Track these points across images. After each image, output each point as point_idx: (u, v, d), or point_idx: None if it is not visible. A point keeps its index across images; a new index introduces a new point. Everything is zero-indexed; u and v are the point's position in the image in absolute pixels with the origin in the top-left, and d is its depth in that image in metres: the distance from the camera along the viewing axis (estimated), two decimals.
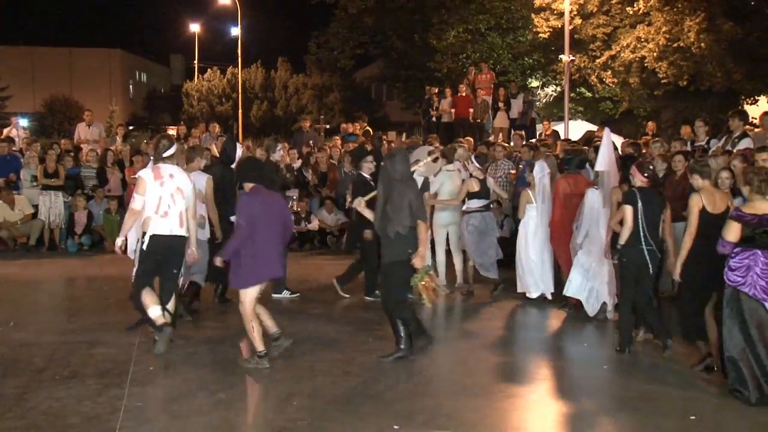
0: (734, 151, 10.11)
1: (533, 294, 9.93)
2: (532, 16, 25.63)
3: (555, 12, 24.56)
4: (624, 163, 8.92)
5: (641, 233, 7.49)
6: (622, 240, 7.58)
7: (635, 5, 22.93)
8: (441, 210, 10.50)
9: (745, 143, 10.65)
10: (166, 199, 7.35)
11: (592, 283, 8.87)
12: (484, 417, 5.87)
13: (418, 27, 30.82)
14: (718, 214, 6.90)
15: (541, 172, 9.84)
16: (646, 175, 7.68)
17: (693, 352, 7.28)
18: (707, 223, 6.90)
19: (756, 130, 12.57)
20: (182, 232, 7.46)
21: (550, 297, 9.89)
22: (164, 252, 7.40)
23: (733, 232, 6.34)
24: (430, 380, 6.74)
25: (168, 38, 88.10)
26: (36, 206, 14.44)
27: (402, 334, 7.21)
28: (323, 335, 8.37)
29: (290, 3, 72.81)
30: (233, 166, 9.32)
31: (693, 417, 5.88)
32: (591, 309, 8.90)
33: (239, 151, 9.84)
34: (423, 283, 7.13)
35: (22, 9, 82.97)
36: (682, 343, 7.52)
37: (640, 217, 7.48)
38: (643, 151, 11.83)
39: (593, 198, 8.83)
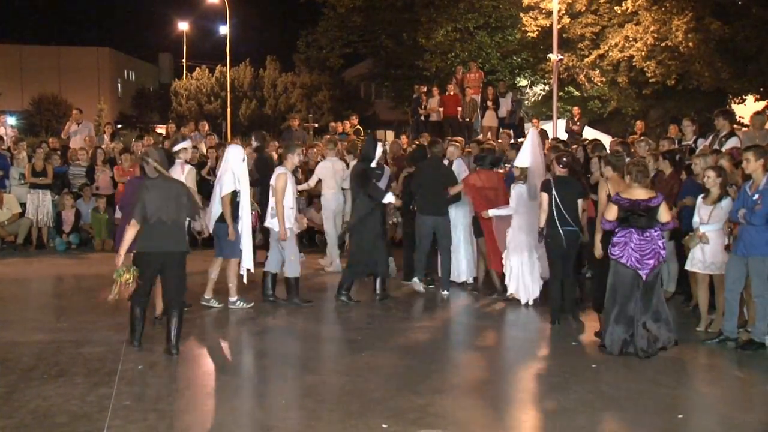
0: (723, 150, 10.15)
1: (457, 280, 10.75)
2: (521, 15, 25.71)
3: (543, 11, 24.65)
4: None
5: (560, 216, 8.50)
6: (541, 223, 8.63)
7: (623, 4, 23.03)
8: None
9: (733, 142, 10.69)
10: None
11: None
12: (474, 415, 5.89)
13: (407, 26, 30.82)
14: None
15: (457, 169, 10.87)
16: (561, 165, 8.77)
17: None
18: None
19: (743, 129, 12.63)
20: None
21: (471, 281, 10.71)
22: None
23: (611, 212, 7.55)
24: (419, 379, 6.73)
25: (156, 37, 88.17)
26: (24, 205, 14.38)
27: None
28: (312, 333, 8.38)
29: (279, 2, 72.81)
30: (373, 164, 9.93)
31: (680, 416, 5.91)
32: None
33: (380, 150, 10.16)
34: (122, 280, 7.14)
35: (11, 7, 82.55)
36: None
37: (557, 202, 8.50)
38: (632, 150, 11.87)
39: (520, 192, 9.61)
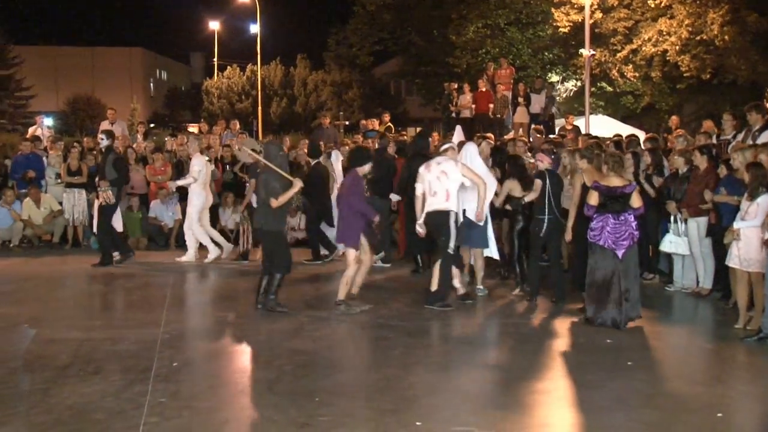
0: (758, 144, 9.96)
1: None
2: (552, 10, 25.52)
3: (575, 6, 24.45)
4: (494, 155, 11.05)
5: (548, 206, 9.31)
6: (526, 198, 9.56)
7: None
8: None
9: (766, 136, 10.49)
10: (434, 182, 9.10)
11: None
12: (507, 413, 5.82)
13: (437, 23, 30.75)
14: None
15: (336, 159, 13.03)
16: (552, 157, 9.91)
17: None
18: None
19: None
20: (447, 206, 9.07)
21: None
22: (433, 224, 9.14)
23: (593, 198, 8.36)
24: (453, 376, 6.71)
25: (188, 36, 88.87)
26: (60, 204, 14.55)
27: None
28: (345, 332, 8.38)
29: (309, 0, 73.04)
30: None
31: (720, 414, 5.80)
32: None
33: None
34: None
35: (45, 10, 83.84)
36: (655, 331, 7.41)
37: (549, 192, 9.30)
38: (669, 144, 11.72)
39: None
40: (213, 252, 12.63)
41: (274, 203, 8.73)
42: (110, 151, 12.52)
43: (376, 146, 13.91)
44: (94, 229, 13.02)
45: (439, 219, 9.08)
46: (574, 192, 9.26)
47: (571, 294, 9.60)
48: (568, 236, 9.28)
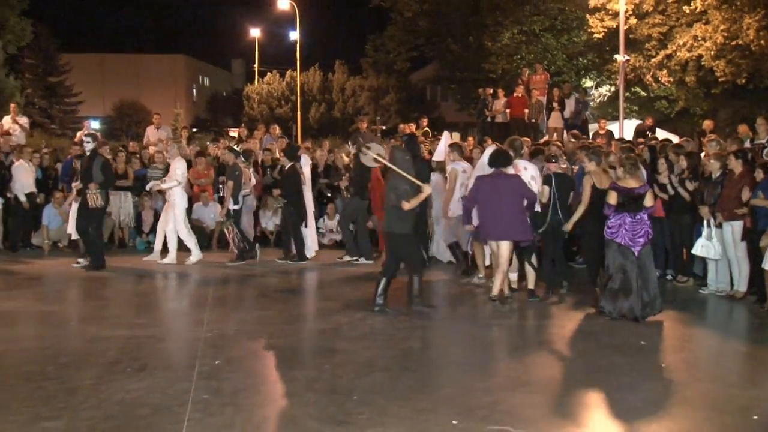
0: None
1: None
2: (587, 16, 25.45)
3: (610, 12, 24.36)
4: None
5: (554, 206, 9.90)
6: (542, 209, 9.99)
7: (692, 4, 22.59)
8: None
9: None
10: (531, 185, 9.58)
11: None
12: (543, 413, 5.88)
13: (473, 29, 30.80)
14: (604, 190, 9.22)
15: (305, 164, 13.28)
16: (563, 166, 10.44)
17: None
18: (598, 196, 9.38)
19: None
20: (538, 207, 9.77)
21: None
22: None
23: (612, 198, 8.78)
24: (488, 376, 6.78)
25: (229, 43, 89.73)
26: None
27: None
28: (382, 331, 8.47)
29: (348, 7, 73.43)
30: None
31: (755, 417, 5.79)
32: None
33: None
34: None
35: (93, 19, 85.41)
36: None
37: (554, 194, 9.90)
38: (703, 149, 11.71)
39: (436, 179, 11.92)
40: (186, 254, 12.91)
41: (407, 206, 8.92)
42: (96, 154, 12.47)
43: (352, 151, 14.46)
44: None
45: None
46: (584, 193, 9.69)
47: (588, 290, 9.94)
48: (568, 227, 9.81)
